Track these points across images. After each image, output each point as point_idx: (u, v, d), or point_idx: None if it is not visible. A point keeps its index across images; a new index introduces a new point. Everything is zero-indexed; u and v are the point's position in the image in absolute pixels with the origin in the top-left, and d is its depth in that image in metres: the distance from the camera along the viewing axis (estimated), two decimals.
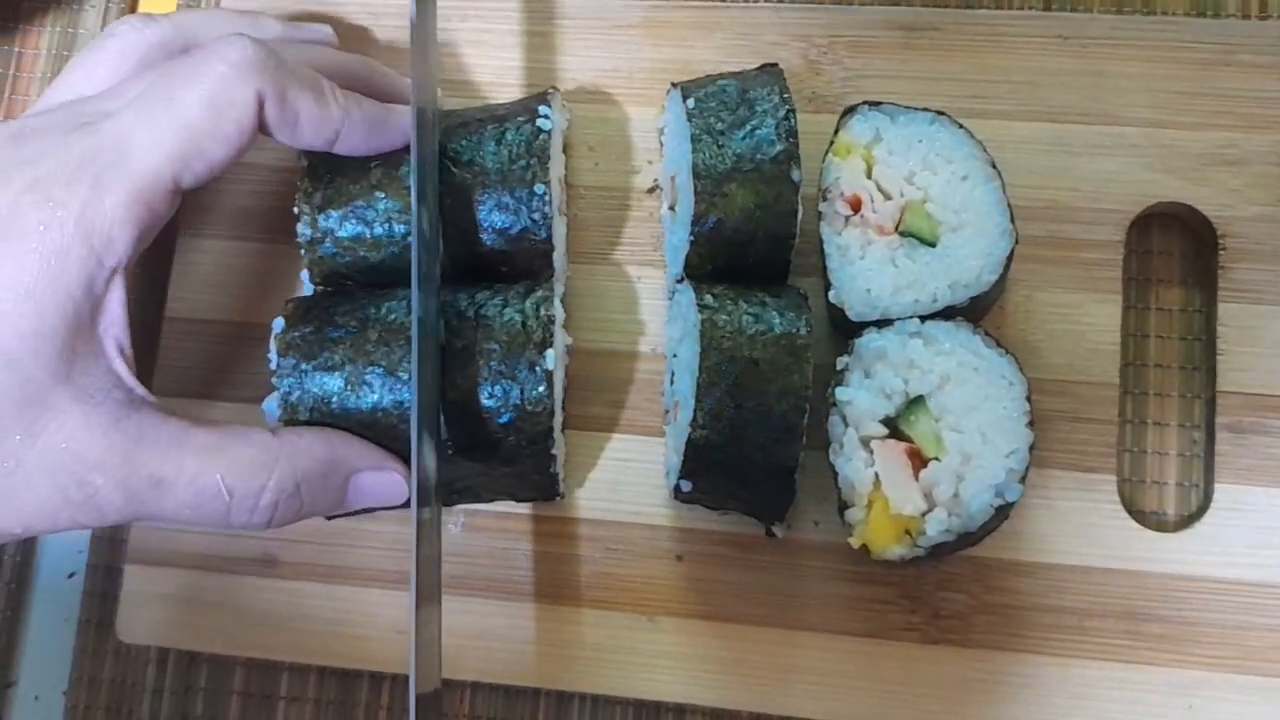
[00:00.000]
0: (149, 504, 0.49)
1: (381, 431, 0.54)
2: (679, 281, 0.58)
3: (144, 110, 0.50)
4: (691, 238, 0.56)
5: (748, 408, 0.53)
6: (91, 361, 0.49)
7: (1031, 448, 0.53)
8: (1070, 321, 0.59)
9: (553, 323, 0.55)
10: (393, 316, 0.55)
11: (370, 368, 0.53)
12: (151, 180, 0.49)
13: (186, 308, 0.65)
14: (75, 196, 0.48)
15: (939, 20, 0.63)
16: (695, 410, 0.53)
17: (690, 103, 0.58)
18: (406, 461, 0.54)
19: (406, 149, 0.57)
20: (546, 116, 0.59)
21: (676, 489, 0.57)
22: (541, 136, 0.58)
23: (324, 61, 0.58)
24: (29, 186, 0.48)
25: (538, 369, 0.54)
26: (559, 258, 0.60)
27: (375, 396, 0.54)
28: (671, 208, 0.61)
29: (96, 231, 0.48)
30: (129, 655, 0.65)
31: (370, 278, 0.58)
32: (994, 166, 0.56)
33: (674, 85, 0.60)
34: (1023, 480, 0.52)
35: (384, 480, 0.54)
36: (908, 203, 0.56)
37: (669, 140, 0.62)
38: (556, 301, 0.57)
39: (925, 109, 0.57)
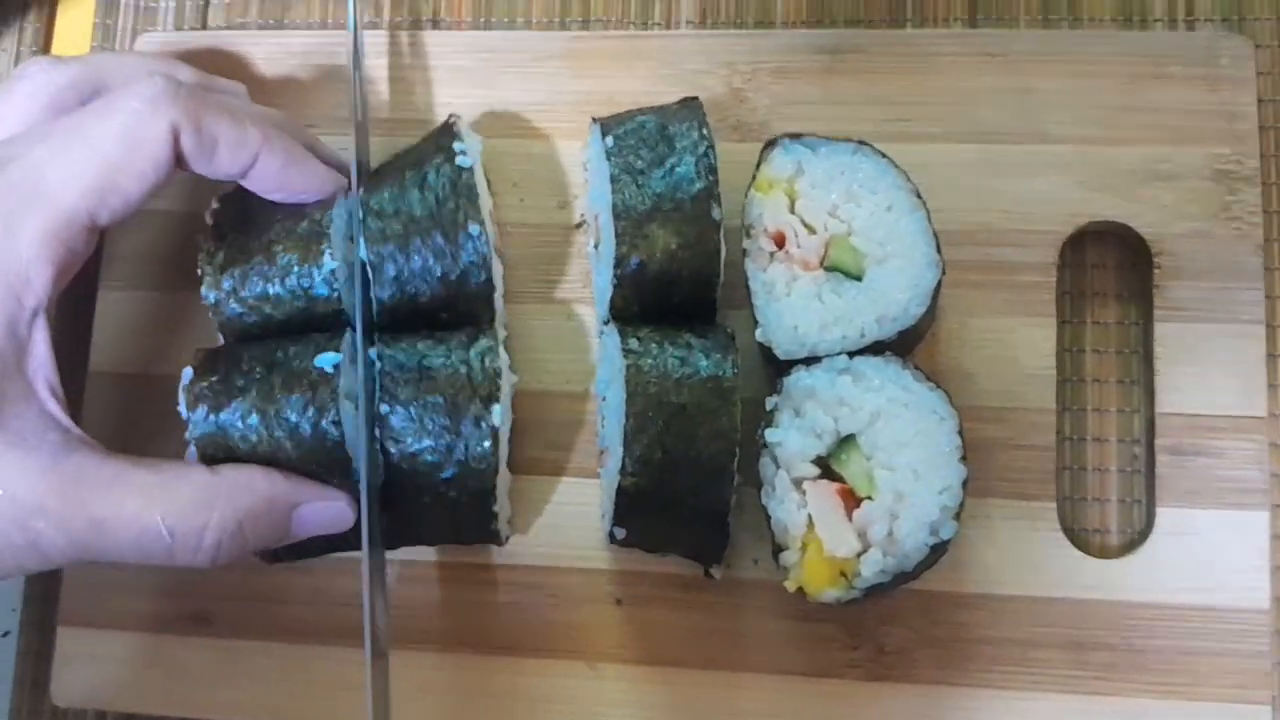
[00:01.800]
0: (92, 545, 0.48)
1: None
2: (605, 323, 0.57)
3: (57, 148, 0.49)
4: (615, 280, 0.55)
5: (676, 453, 0.52)
6: (23, 404, 0.48)
7: (965, 483, 0.52)
8: (1004, 347, 0.58)
9: (499, 375, 0.54)
10: (297, 362, 0.53)
11: (278, 419, 0.52)
12: (67, 217, 0.48)
13: (110, 360, 0.64)
14: None
15: (864, 42, 0.62)
16: (624, 457, 0.52)
17: (609, 141, 0.56)
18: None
19: (307, 205, 0.56)
20: (463, 152, 0.57)
21: (611, 535, 0.56)
22: (464, 174, 0.57)
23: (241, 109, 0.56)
24: None
25: (483, 424, 0.53)
26: (499, 299, 0.59)
27: (289, 445, 0.52)
28: (596, 246, 0.60)
29: (13, 272, 0.47)
30: (66, 716, 0.63)
31: (280, 333, 0.56)
32: (919, 195, 0.55)
33: (594, 121, 0.59)
34: (957, 516, 0.52)
35: (328, 509, 0.53)
36: (832, 236, 0.55)
37: (591, 178, 0.61)
38: (501, 350, 0.56)
39: (847, 139, 0.56)
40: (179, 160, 0.51)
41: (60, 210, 0.48)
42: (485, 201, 0.59)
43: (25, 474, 0.47)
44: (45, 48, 0.71)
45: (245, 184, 0.55)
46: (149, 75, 0.51)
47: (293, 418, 0.52)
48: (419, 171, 0.57)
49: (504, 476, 0.57)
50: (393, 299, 0.56)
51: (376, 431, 0.53)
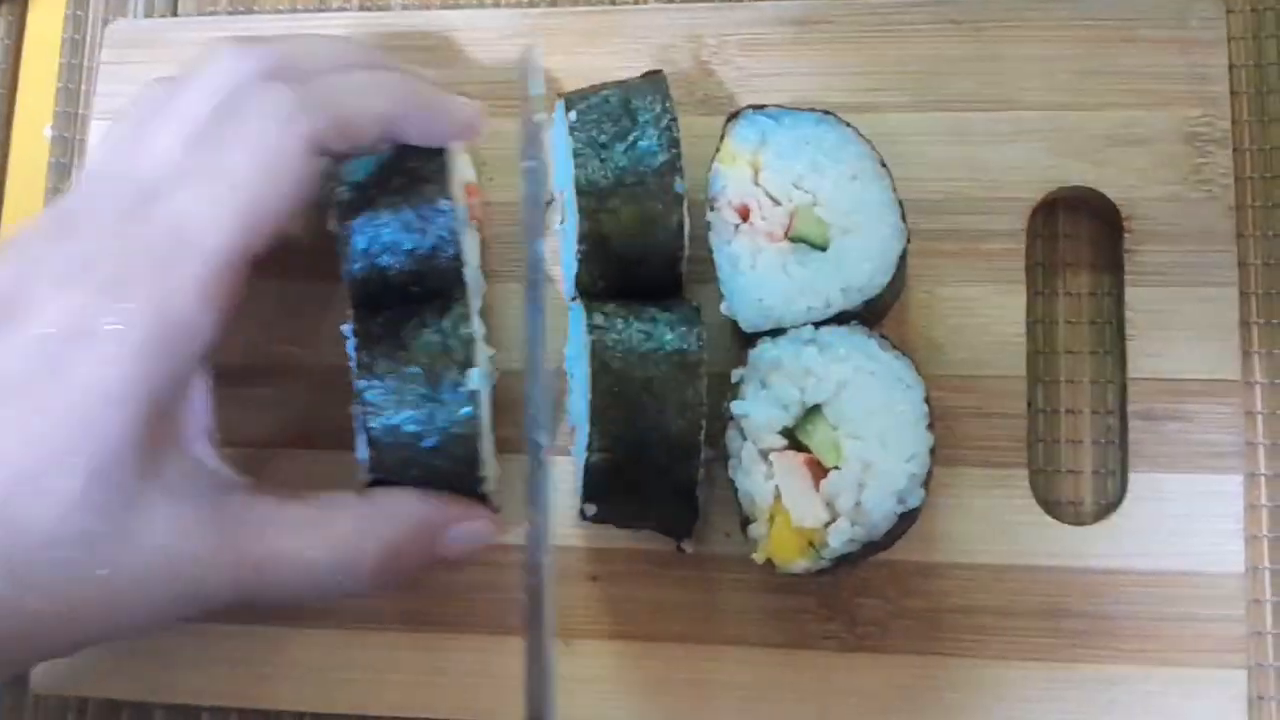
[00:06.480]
0: (251, 587, 0.49)
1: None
2: (572, 300, 0.57)
3: (197, 186, 0.48)
4: (579, 256, 0.55)
5: (642, 428, 0.52)
6: (177, 454, 0.48)
7: (932, 451, 0.52)
8: (974, 315, 0.58)
9: (473, 341, 0.54)
10: None
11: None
12: (223, 260, 0.47)
13: None
14: (148, 293, 0.46)
15: (830, 13, 0.62)
16: (590, 433, 0.52)
17: (573, 116, 0.56)
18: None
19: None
20: None
21: (581, 512, 0.56)
22: (440, 149, 0.57)
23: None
24: (100, 289, 0.46)
25: (461, 390, 0.53)
26: (471, 272, 0.59)
27: None
28: (563, 222, 0.60)
29: (176, 324, 0.46)
30: (47, 706, 0.64)
31: None
32: (884, 164, 0.55)
33: (559, 96, 0.59)
34: (925, 484, 0.51)
35: (476, 527, 0.54)
36: (797, 208, 0.55)
37: (557, 155, 0.60)
38: (475, 318, 0.56)
39: (811, 109, 0.56)
40: (333, 154, 0.51)
41: (215, 254, 0.47)
42: (464, 175, 0.59)
43: (180, 525, 0.47)
44: (18, 40, 0.71)
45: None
46: (271, 84, 0.50)
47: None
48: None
49: (489, 442, 0.57)
50: (363, 271, 0.56)
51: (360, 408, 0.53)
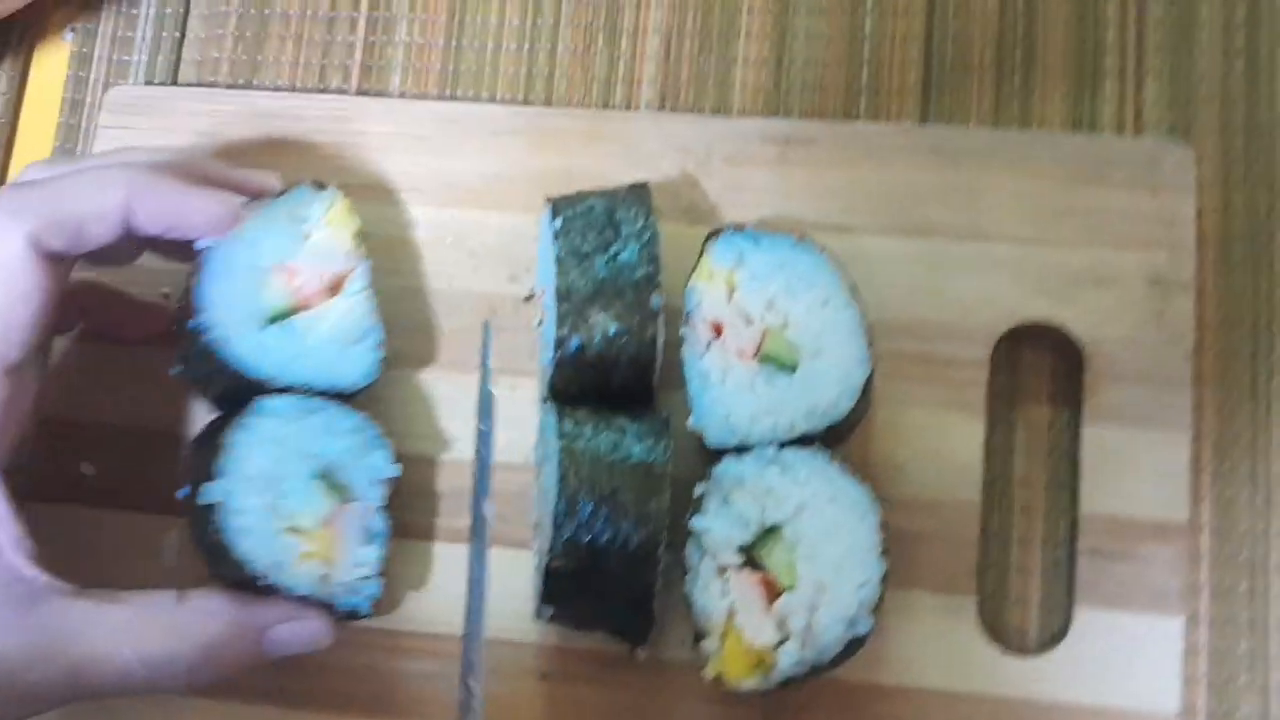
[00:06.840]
0: (69, 689, 0.50)
1: None
2: (544, 402, 0.58)
3: None
4: (554, 361, 0.56)
5: (604, 538, 0.53)
6: None
7: (884, 579, 0.53)
8: (936, 440, 0.59)
9: (217, 453, 0.53)
10: None
11: None
12: None
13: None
14: None
15: (815, 133, 0.63)
16: (553, 539, 0.53)
17: (558, 222, 0.57)
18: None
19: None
20: None
21: (538, 613, 0.56)
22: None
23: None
24: None
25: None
26: (322, 360, 0.57)
27: None
28: (540, 323, 0.61)
29: None
30: None
31: None
32: (855, 292, 0.56)
33: (548, 201, 0.60)
34: (874, 611, 0.52)
35: (300, 629, 0.54)
36: (768, 329, 0.56)
37: (541, 255, 0.62)
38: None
39: (788, 233, 0.57)
40: (60, 258, 0.51)
41: None
42: (277, 258, 0.57)
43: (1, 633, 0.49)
44: (18, 96, 0.71)
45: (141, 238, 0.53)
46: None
47: None
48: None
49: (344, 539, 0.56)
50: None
51: None
